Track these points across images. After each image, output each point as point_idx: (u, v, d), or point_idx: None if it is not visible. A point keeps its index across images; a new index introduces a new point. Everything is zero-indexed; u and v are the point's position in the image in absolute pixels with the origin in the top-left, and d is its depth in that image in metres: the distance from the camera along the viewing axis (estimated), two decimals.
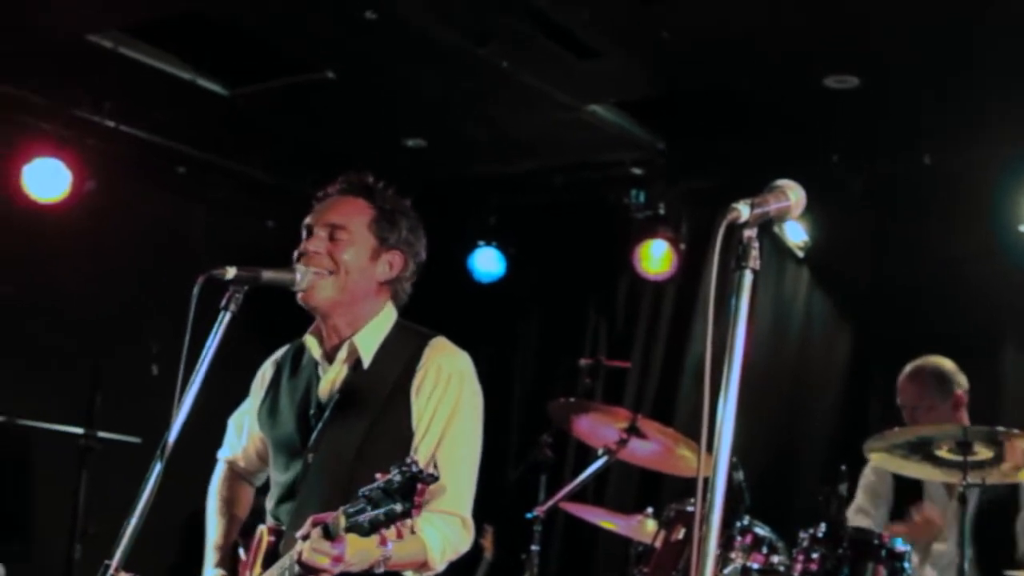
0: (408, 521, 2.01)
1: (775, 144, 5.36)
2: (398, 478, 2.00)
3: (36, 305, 5.45)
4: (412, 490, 1.98)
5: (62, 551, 4.82)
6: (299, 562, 2.17)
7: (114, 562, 2.22)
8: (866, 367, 5.33)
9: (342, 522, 2.06)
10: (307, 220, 2.56)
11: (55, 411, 4.94)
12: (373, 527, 2.02)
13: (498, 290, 6.30)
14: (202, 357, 2.33)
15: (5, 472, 4.94)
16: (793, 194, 1.84)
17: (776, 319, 5.74)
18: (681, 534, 3.82)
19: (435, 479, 2.04)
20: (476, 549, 5.97)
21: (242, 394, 2.85)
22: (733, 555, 3.67)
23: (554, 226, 6.35)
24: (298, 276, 2.47)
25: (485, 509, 6.92)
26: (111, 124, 5.41)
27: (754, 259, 1.78)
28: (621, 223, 5.97)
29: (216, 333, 2.36)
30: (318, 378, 2.58)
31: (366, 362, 2.54)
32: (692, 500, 3.94)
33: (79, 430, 4.76)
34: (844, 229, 5.48)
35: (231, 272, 2.36)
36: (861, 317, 5.49)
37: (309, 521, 2.18)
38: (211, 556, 2.68)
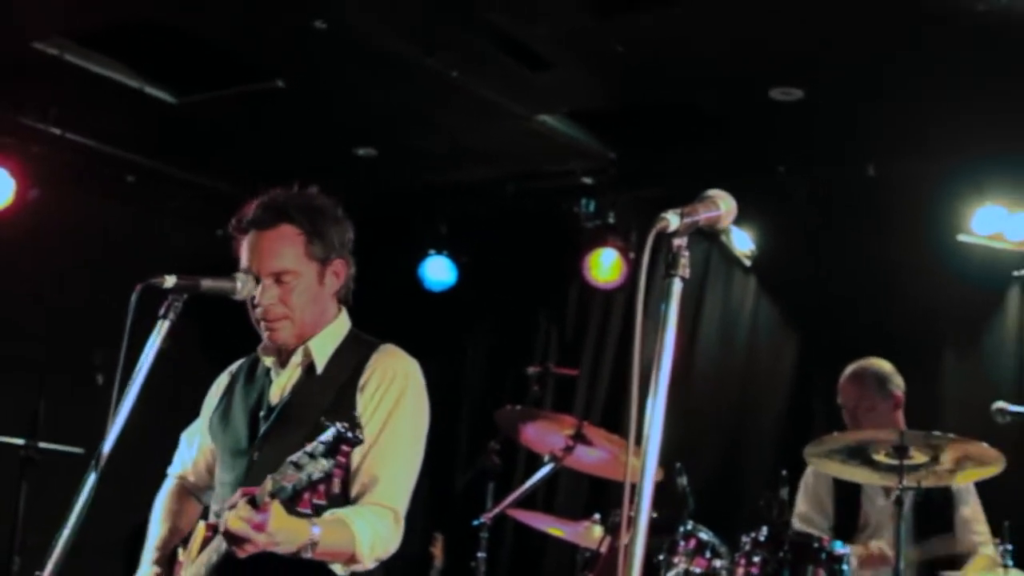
0: (334, 481, 2.04)
1: (723, 154, 5.42)
2: (324, 440, 2.05)
3: None
4: (336, 451, 2.02)
5: (0, 563, 4.74)
6: (224, 532, 2.16)
7: (46, 573, 2.21)
8: (811, 373, 5.40)
9: (268, 486, 2.08)
10: (244, 265, 2.53)
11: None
12: (296, 491, 2.06)
13: (449, 299, 6.30)
14: (139, 366, 2.33)
15: None
16: (724, 204, 1.84)
17: (723, 327, 5.80)
18: (626, 539, 3.85)
19: (360, 441, 2.08)
20: (426, 557, 5.96)
21: (192, 409, 2.85)
22: (676, 560, 3.69)
23: (505, 235, 6.36)
24: (238, 284, 2.48)
25: (435, 517, 6.92)
26: (57, 132, 5.34)
27: (683, 267, 1.79)
28: (572, 232, 6.01)
29: (154, 342, 2.36)
30: (270, 382, 2.62)
31: (319, 367, 2.57)
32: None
33: (20, 440, 4.68)
34: (790, 238, 5.57)
35: (170, 281, 2.38)
36: (806, 324, 5.56)
37: (239, 492, 2.19)
38: (148, 556, 2.68)
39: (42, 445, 4.74)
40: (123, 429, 2.31)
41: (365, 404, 2.50)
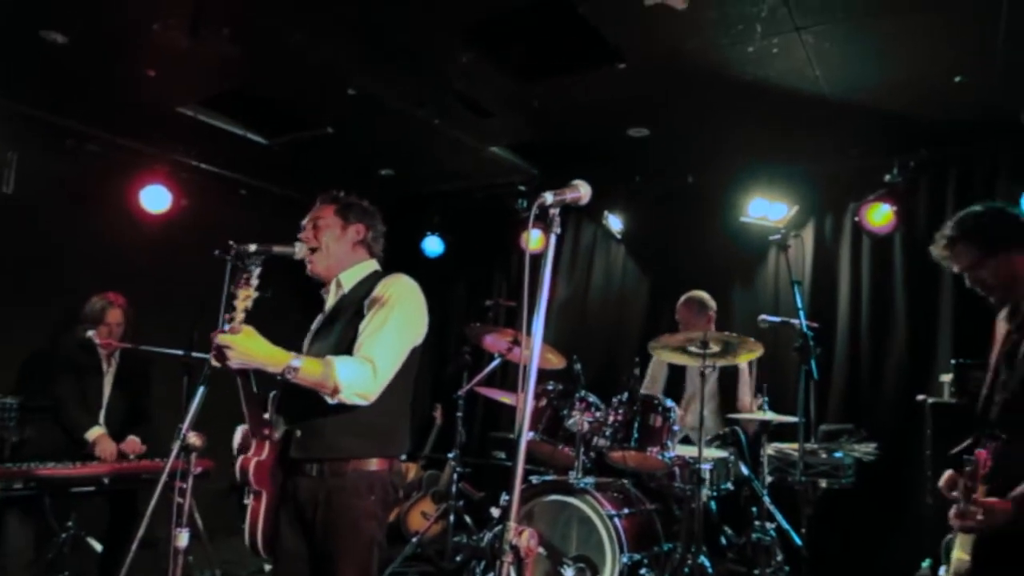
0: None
1: (603, 170, 5.39)
2: None
3: (157, 280, 5.24)
4: None
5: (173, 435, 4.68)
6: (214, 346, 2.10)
7: (185, 425, 2.20)
8: (657, 304, 5.43)
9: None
10: (303, 222, 2.56)
11: (171, 342, 4.81)
12: None
13: (440, 263, 6.25)
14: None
15: (140, 381, 4.78)
16: (583, 188, 1.81)
17: (605, 279, 5.79)
18: (543, 402, 3.86)
19: None
20: (429, 419, 5.97)
21: (285, 338, 2.76)
22: (574, 413, 3.72)
23: (474, 222, 6.31)
24: (296, 249, 2.46)
25: (435, 394, 6.80)
26: (195, 163, 5.24)
27: (556, 226, 1.77)
28: (514, 220, 5.97)
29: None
30: (324, 304, 2.58)
31: (346, 290, 2.50)
32: (550, 382, 3.99)
33: (180, 351, 4.63)
34: (644, 222, 5.55)
35: (252, 247, 2.35)
36: (654, 274, 5.57)
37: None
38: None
39: (195, 355, 4.68)
40: None
41: (368, 307, 2.40)
